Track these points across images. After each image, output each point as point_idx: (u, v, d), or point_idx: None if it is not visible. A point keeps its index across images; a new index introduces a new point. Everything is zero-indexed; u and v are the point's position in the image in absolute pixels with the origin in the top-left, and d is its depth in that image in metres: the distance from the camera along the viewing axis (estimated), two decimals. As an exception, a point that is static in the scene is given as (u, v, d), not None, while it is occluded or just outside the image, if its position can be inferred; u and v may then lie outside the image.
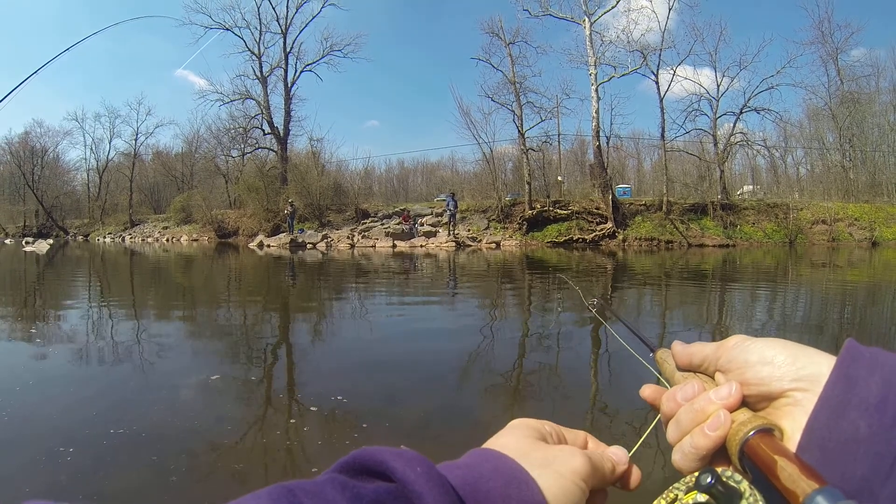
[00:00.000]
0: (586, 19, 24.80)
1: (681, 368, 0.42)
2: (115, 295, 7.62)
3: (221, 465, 1.89)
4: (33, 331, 4.49)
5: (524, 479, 0.31)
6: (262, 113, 32.06)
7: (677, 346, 0.42)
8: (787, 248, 20.88)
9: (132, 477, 1.79)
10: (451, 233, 22.97)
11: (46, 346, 3.88)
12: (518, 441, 0.35)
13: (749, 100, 26.39)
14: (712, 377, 0.39)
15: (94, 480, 1.77)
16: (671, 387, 0.41)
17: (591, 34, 24.72)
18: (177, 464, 1.89)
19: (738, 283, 9.02)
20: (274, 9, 31.86)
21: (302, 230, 25.00)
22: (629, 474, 0.38)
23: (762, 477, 0.30)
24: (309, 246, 22.74)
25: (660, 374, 0.46)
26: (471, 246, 22.12)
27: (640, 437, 0.54)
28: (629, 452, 0.39)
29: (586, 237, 22.97)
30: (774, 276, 10.02)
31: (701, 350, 0.40)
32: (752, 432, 0.32)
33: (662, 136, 26.27)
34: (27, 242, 25.47)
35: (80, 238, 36.86)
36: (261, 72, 32.32)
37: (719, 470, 0.32)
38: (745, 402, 0.35)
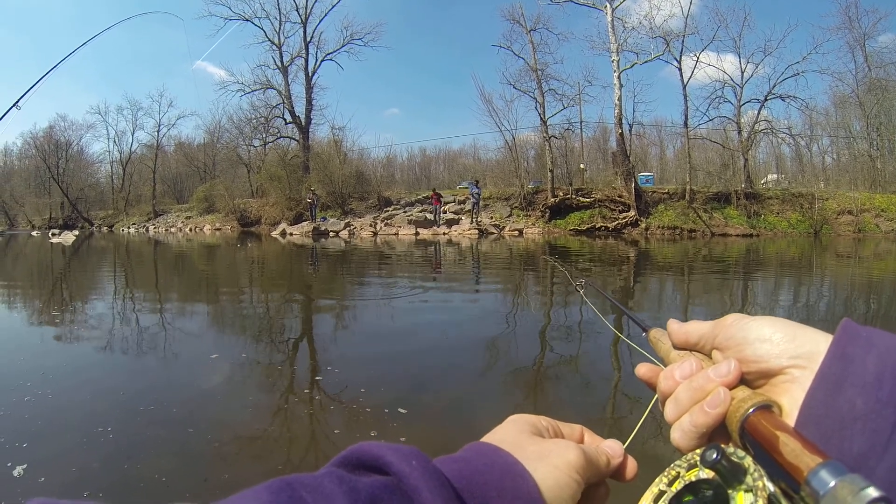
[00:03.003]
0: (608, 5, 24.53)
1: (676, 346, 0.42)
2: (140, 283, 7.83)
3: (246, 450, 1.98)
4: (67, 317, 4.67)
5: (520, 472, 0.31)
6: (284, 102, 32.29)
7: (673, 323, 0.43)
8: (812, 239, 20.59)
9: (168, 458, 1.88)
10: (475, 220, 23.07)
11: (83, 331, 4.03)
12: (514, 435, 0.36)
13: (774, 87, 25.96)
14: (709, 355, 0.39)
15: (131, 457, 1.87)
16: (667, 365, 0.41)
17: (612, 20, 24.45)
18: (207, 445, 2.00)
19: (761, 273, 8.96)
20: (293, -1, 32.03)
21: (324, 218, 25.28)
22: (624, 466, 0.39)
23: (763, 453, 0.30)
24: (332, 234, 23.02)
25: (649, 354, 0.48)
26: (493, 233, 22.20)
27: (634, 428, 0.60)
28: (624, 444, 0.40)
29: (609, 225, 22.90)
30: (798, 267, 9.93)
31: (698, 328, 0.40)
32: (752, 409, 0.32)
33: (685, 123, 26.01)
34: (53, 234, 25.96)
35: (104, 229, 37.54)
36: (281, 61, 32.49)
37: (722, 446, 0.32)
38: (743, 380, 0.35)
